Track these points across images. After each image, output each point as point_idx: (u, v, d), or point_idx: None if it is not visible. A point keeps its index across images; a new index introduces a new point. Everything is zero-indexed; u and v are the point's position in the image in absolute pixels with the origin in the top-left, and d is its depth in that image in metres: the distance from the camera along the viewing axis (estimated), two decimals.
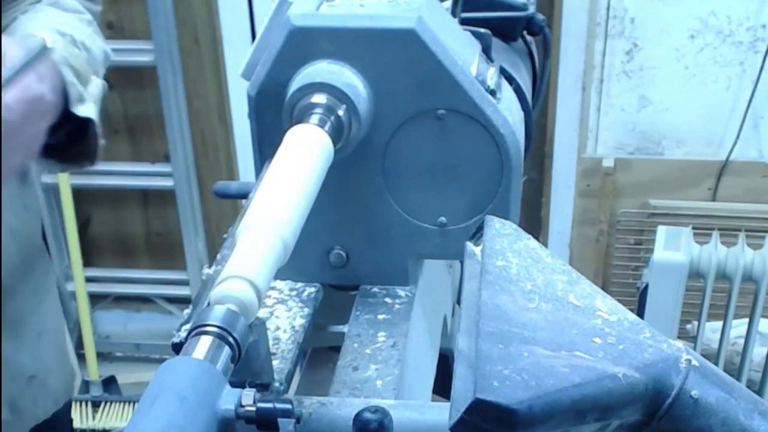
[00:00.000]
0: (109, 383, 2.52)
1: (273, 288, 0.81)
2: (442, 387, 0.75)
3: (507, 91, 0.81)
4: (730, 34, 2.18)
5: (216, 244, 2.51)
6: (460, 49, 0.74)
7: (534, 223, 2.49)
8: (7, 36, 0.81)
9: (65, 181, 2.33)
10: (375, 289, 0.82)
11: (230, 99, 2.39)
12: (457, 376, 0.48)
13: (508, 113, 0.75)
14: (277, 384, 0.66)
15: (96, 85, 0.93)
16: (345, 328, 0.78)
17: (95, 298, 2.58)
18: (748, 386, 0.83)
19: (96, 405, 2.46)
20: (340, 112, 0.70)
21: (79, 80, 0.89)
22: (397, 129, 0.75)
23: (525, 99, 0.91)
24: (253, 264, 0.57)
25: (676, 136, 2.34)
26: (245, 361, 0.55)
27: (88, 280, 2.48)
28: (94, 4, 1.06)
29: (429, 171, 0.77)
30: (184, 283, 2.54)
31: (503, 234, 0.58)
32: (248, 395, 0.50)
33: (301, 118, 0.70)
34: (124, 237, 2.63)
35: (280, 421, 0.51)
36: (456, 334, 0.52)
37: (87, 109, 0.88)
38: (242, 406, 0.50)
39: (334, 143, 0.69)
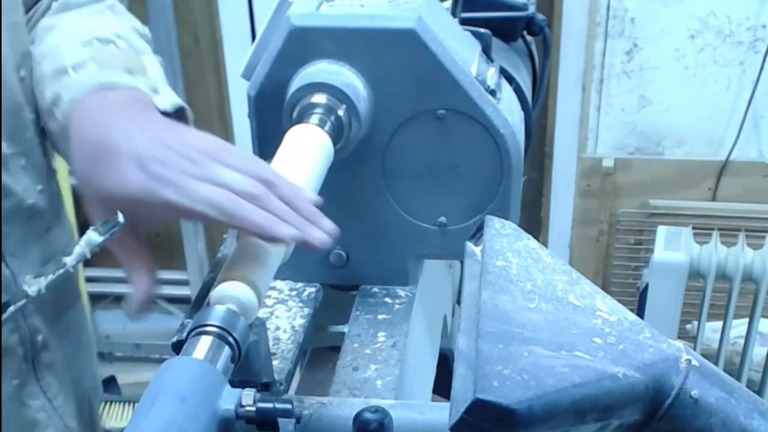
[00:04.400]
0: (109, 383, 2.52)
1: (273, 288, 0.81)
2: (442, 387, 0.75)
3: (507, 91, 0.81)
4: (730, 34, 2.18)
5: (216, 244, 2.50)
6: (460, 49, 0.74)
7: (534, 223, 2.49)
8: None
9: (65, 181, 2.33)
10: (375, 289, 0.82)
11: (230, 99, 2.39)
12: (457, 376, 0.48)
13: (508, 113, 0.75)
14: (277, 384, 0.66)
15: (154, 67, 0.80)
16: (345, 328, 0.78)
17: (95, 298, 2.58)
18: (748, 386, 0.83)
19: None
20: (340, 112, 0.70)
21: (131, 72, 0.76)
22: (397, 129, 0.75)
23: (525, 99, 0.91)
24: (254, 264, 0.57)
25: (676, 136, 2.34)
26: (245, 361, 0.55)
27: (88, 280, 2.48)
28: None
29: (429, 171, 0.77)
30: (184, 283, 2.54)
31: (503, 234, 0.58)
32: (248, 395, 0.50)
33: (301, 118, 0.70)
34: None
35: (280, 421, 0.51)
36: (456, 334, 0.52)
37: (165, 99, 0.76)
38: (242, 406, 0.50)
39: (334, 143, 0.69)
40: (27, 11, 0.85)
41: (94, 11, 0.86)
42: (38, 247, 0.83)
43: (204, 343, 0.52)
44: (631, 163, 2.35)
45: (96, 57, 0.77)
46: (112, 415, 2.44)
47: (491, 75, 0.76)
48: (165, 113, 0.74)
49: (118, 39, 0.80)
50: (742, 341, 2.12)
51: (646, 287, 2.02)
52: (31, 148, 0.81)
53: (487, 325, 0.50)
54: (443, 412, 0.52)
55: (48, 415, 0.90)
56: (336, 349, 0.76)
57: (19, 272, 0.80)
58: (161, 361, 0.52)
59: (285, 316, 0.78)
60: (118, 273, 2.62)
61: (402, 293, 0.82)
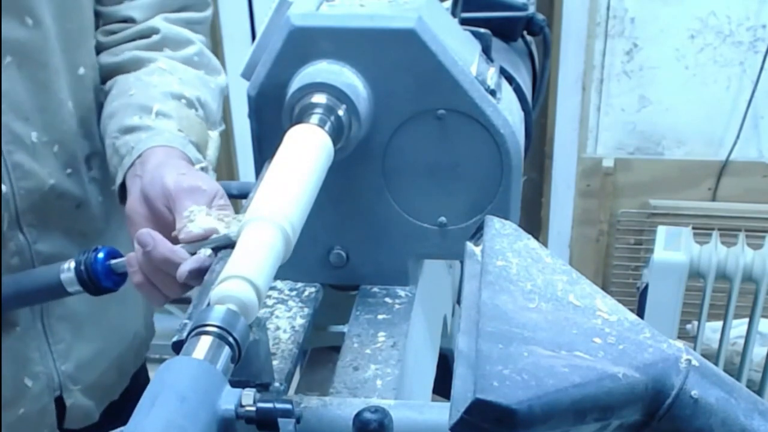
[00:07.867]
0: None
1: (273, 288, 0.81)
2: (442, 387, 0.75)
3: (507, 91, 0.81)
4: (730, 34, 2.18)
5: None
6: (460, 49, 0.74)
7: (534, 223, 2.49)
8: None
9: None
10: (375, 289, 0.82)
11: (230, 99, 2.39)
12: (457, 376, 0.48)
13: (508, 113, 0.75)
14: (277, 384, 0.66)
15: (213, 143, 0.97)
16: (345, 328, 0.78)
17: None
18: (748, 386, 0.83)
19: None
20: (340, 112, 0.70)
21: (199, 149, 0.92)
22: (397, 129, 0.75)
23: (525, 99, 0.91)
24: (254, 264, 0.57)
25: (676, 136, 2.34)
26: (245, 361, 0.55)
27: None
28: (200, 11, 1.11)
29: (429, 171, 0.77)
30: None
31: (503, 234, 0.58)
32: (248, 395, 0.50)
33: (301, 118, 0.70)
34: None
35: (280, 421, 0.51)
36: (456, 334, 0.52)
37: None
38: (242, 406, 0.50)
39: (334, 143, 0.69)
40: (108, 23, 1.02)
41: (186, 57, 1.03)
42: (64, 221, 0.98)
43: (204, 343, 0.52)
44: (631, 163, 2.36)
45: (180, 116, 0.93)
46: None
47: (491, 75, 0.76)
48: None
49: (199, 106, 0.98)
50: (742, 341, 2.12)
51: (646, 287, 2.02)
52: (67, 137, 0.96)
53: (487, 325, 0.50)
54: (443, 412, 0.52)
55: (41, 355, 1.00)
56: (336, 349, 0.76)
57: (34, 241, 0.95)
58: (161, 361, 0.52)
59: (285, 316, 0.77)
60: None
61: (402, 293, 0.82)
